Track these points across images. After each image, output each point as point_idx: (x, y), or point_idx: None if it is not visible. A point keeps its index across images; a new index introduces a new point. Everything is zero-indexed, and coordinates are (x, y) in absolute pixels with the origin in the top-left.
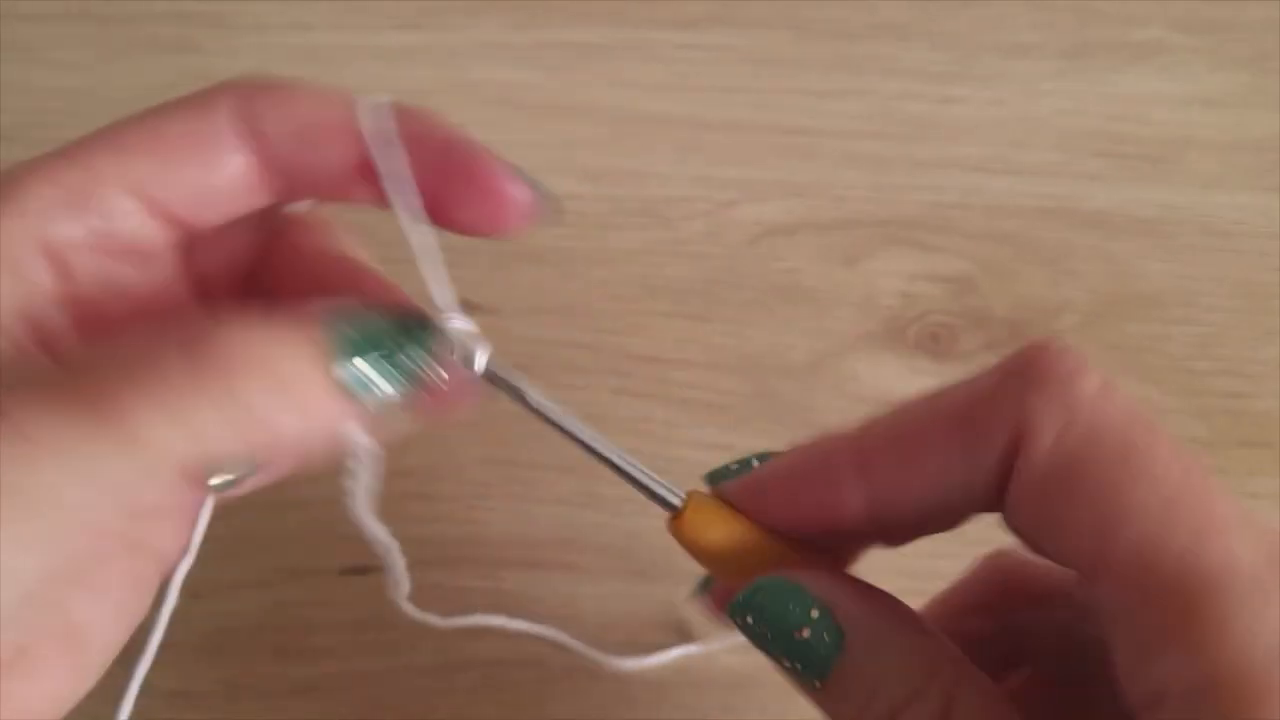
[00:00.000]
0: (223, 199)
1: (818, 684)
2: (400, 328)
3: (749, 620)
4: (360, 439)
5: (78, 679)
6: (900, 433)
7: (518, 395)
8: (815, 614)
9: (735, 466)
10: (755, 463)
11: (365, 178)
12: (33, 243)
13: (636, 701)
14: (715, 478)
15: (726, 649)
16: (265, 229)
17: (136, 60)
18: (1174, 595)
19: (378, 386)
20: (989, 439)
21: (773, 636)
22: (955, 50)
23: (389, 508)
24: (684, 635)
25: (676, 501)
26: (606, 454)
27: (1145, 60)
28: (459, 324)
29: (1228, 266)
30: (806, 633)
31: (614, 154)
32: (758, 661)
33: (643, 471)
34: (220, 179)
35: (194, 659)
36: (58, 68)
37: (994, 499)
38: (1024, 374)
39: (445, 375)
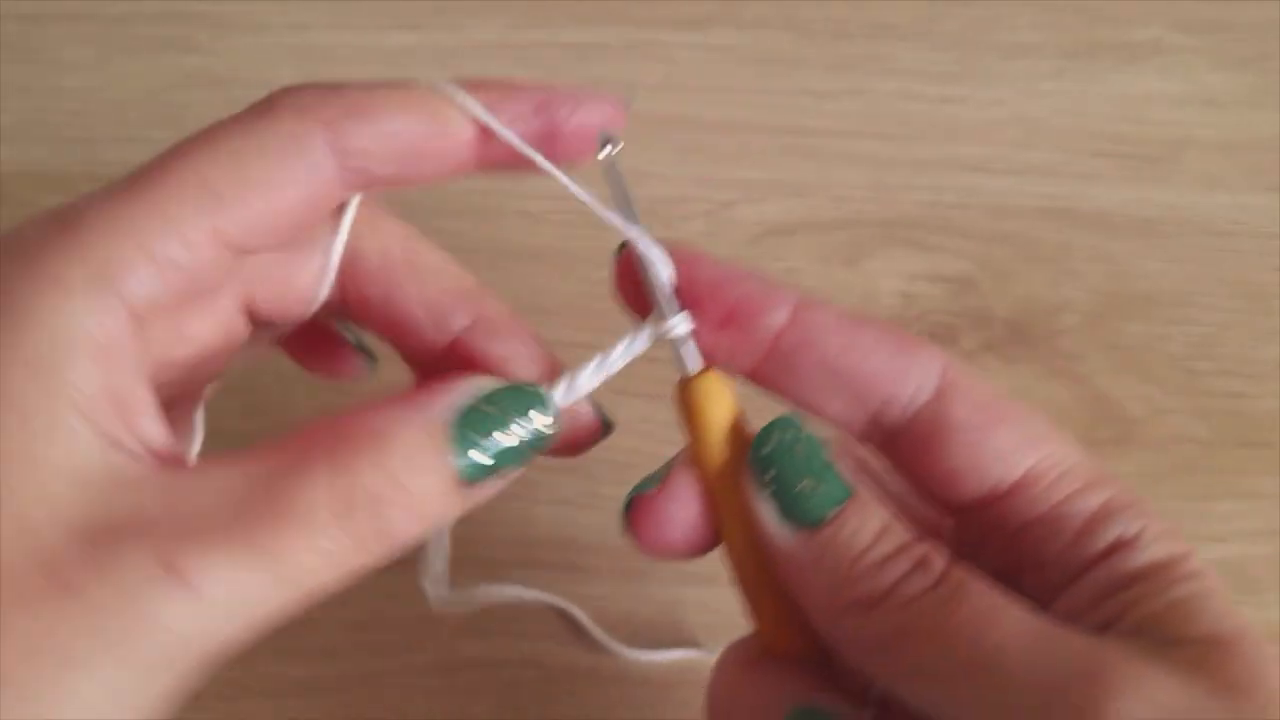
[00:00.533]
0: (305, 221)
1: (828, 512)
2: (517, 402)
3: (788, 435)
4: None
5: None
6: (844, 316)
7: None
8: (830, 459)
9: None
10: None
11: (470, 164)
12: (122, 320)
13: (637, 701)
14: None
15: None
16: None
17: (137, 60)
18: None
19: (497, 471)
20: (923, 365)
21: (803, 456)
22: (956, 50)
23: None
24: (683, 634)
25: (698, 364)
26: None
27: (1145, 60)
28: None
29: (1228, 266)
30: (829, 462)
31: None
32: None
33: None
34: (309, 212)
35: None
36: (58, 68)
37: (893, 417)
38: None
39: (555, 432)
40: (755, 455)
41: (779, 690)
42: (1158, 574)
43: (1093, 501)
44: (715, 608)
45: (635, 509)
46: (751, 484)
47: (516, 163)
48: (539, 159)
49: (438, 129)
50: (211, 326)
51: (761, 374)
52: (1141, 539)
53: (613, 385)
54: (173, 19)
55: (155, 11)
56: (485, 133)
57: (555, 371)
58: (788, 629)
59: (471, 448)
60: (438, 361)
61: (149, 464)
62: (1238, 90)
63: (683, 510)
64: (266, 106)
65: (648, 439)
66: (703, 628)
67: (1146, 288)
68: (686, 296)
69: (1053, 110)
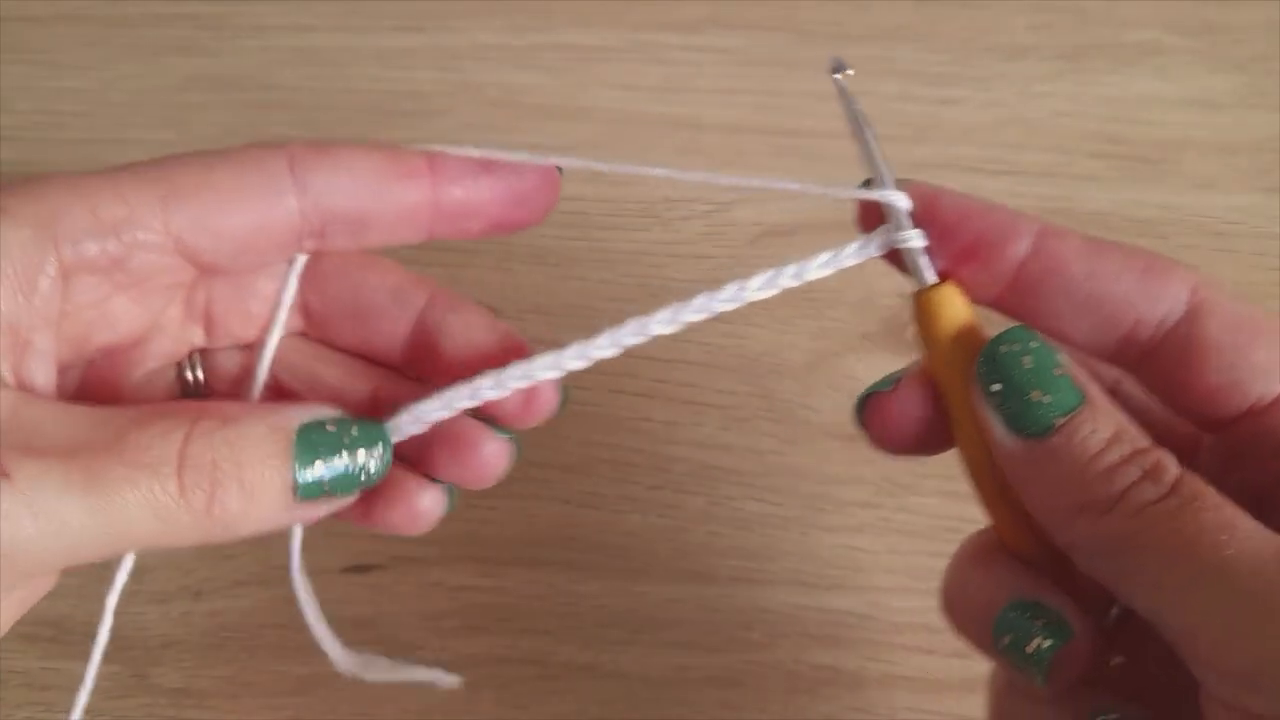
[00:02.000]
0: (264, 249)
1: (1057, 421)
2: (363, 433)
3: (1017, 347)
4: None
5: None
6: (1088, 241)
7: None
8: (1062, 368)
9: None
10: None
11: (426, 220)
12: (48, 261)
13: (637, 701)
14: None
15: (724, 650)
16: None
17: (139, 62)
18: None
19: (332, 493)
20: (1172, 289)
21: (1033, 366)
22: (953, 52)
23: None
24: (684, 634)
25: (932, 277)
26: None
27: (1142, 62)
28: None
29: (1225, 266)
30: (1060, 372)
31: (614, 155)
32: (758, 661)
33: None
34: (268, 230)
35: (197, 657)
36: (60, 69)
37: (1139, 346)
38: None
39: (383, 472)
40: (982, 367)
41: (1004, 582)
42: None
43: None
44: (715, 607)
45: (868, 406)
46: (980, 394)
47: (471, 227)
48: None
49: (397, 167)
50: (138, 318)
51: (1007, 302)
52: None
53: (611, 385)
54: (175, 20)
55: (157, 13)
56: (447, 200)
57: (511, 340)
58: (1022, 532)
59: (310, 460)
60: (401, 354)
61: (13, 392)
62: (1235, 92)
63: (914, 410)
64: (248, 144)
65: (647, 437)
66: (703, 627)
67: None
68: (928, 232)
69: (1050, 111)
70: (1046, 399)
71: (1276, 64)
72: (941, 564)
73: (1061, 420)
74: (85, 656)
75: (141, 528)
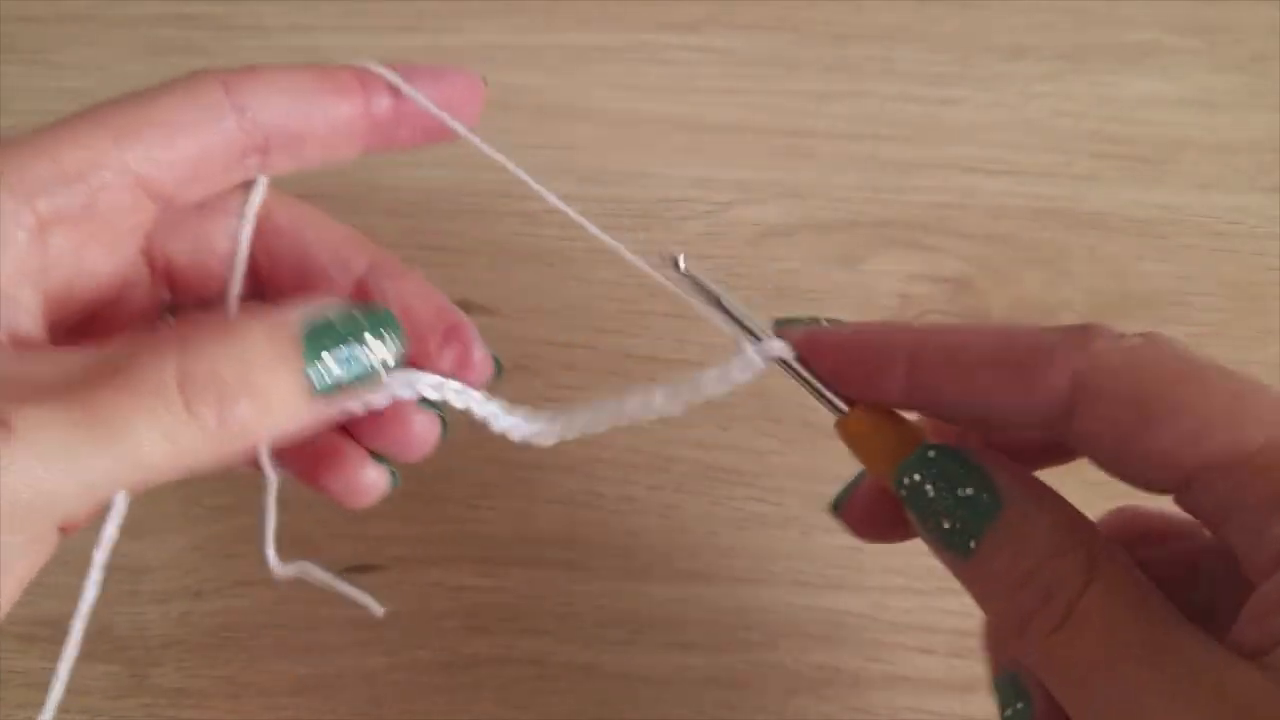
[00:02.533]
0: (212, 172)
1: (972, 544)
2: (370, 320)
3: (916, 478)
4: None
5: None
6: (958, 357)
7: (714, 300)
8: (976, 475)
9: (804, 319)
10: (823, 322)
11: (360, 131)
12: (20, 216)
13: (637, 701)
14: (783, 323)
15: (725, 650)
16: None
17: (139, 62)
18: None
19: (347, 386)
20: (1048, 386)
21: (935, 494)
22: (953, 52)
23: (390, 507)
24: (684, 634)
25: (844, 408)
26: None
27: (1142, 62)
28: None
29: (1225, 267)
30: (970, 490)
31: (614, 155)
32: (758, 661)
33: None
34: (213, 152)
35: (197, 657)
36: (60, 70)
37: (1050, 430)
38: (1083, 332)
39: (405, 352)
40: (900, 494)
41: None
42: None
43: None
44: (715, 607)
45: (842, 510)
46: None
47: (401, 136)
48: (450, 120)
49: (326, 83)
50: (114, 265)
51: (919, 408)
52: None
53: (610, 384)
54: (175, 21)
55: (157, 13)
56: (377, 112)
57: (447, 315)
58: None
59: (321, 355)
60: None
61: (4, 346)
62: (1235, 92)
63: (879, 510)
64: (180, 76)
65: (647, 437)
66: (703, 627)
67: (1144, 288)
68: (823, 368)
69: (1050, 111)
70: (957, 525)
71: (1277, 64)
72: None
73: (975, 545)
74: (86, 656)
75: (155, 454)
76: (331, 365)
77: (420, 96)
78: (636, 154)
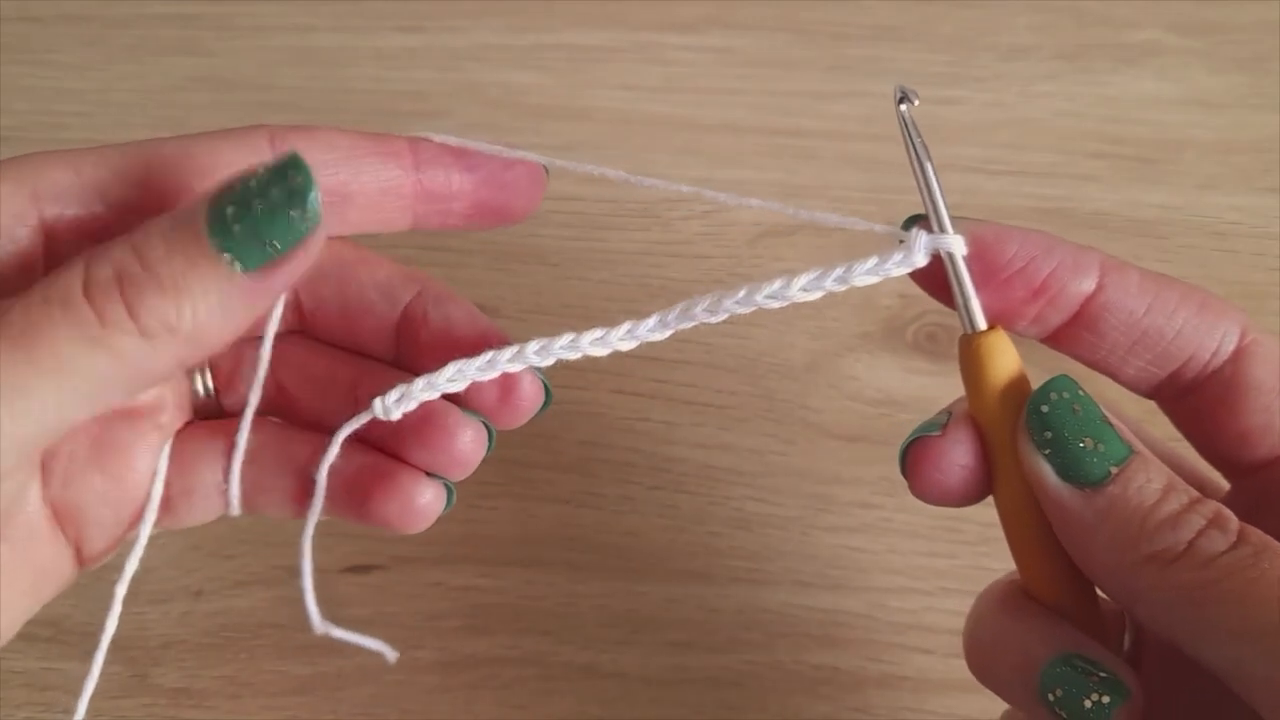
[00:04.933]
0: None
1: (1112, 469)
2: (276, 174)
3: (1066, 395)
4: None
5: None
6: (1155, 284)
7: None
8: (1108, 419)
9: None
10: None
11: (408, 198)
12: (25, 211)
13: (636, 701)
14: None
15: (725, 650)
16: None
17: (139, 62)
18: None
19: (273, 243)
20: (1224, 333)
21: (1082, 415)
22: (953, 52)
23: None
24: (684, 633)
25: (982, 325)
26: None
27: (1142, 62)
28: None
29: (1224, 267)
30: (1109, 420)
31: (614, 155)
32: (757, 661)
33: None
34: None
35: (197, 657)
36: (60, 69)
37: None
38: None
39: (318, 201)
40: (1032, 415)
41: (1046, 635)
42: None
43: None
44: (715, 607)
45: (914, 452)
46: (1028, 443)
47: (454, 210)
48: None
49: (377, 146)
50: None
51: (1062, 336)
52: None
53: (610, 384)
54: (175, 21)
55: (157, 13)
56: (430, 184)
57: (493, 335)
58: (1058, 584)
59: (230, 226)
60: (389, 347)
61: None
62: (1235, 92)
63: (961, 457)
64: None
65: (647, 437)
66: (703, 627)
67: None
68: (992, 275)
69: (1050, 112)
70: (1100, 447)
71: (1276, 64)
72: (941, 564)
73: (1116, 469)
74: (85, 656)
75: (88, 363)
76: (243, 230)
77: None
78: (637, 154)
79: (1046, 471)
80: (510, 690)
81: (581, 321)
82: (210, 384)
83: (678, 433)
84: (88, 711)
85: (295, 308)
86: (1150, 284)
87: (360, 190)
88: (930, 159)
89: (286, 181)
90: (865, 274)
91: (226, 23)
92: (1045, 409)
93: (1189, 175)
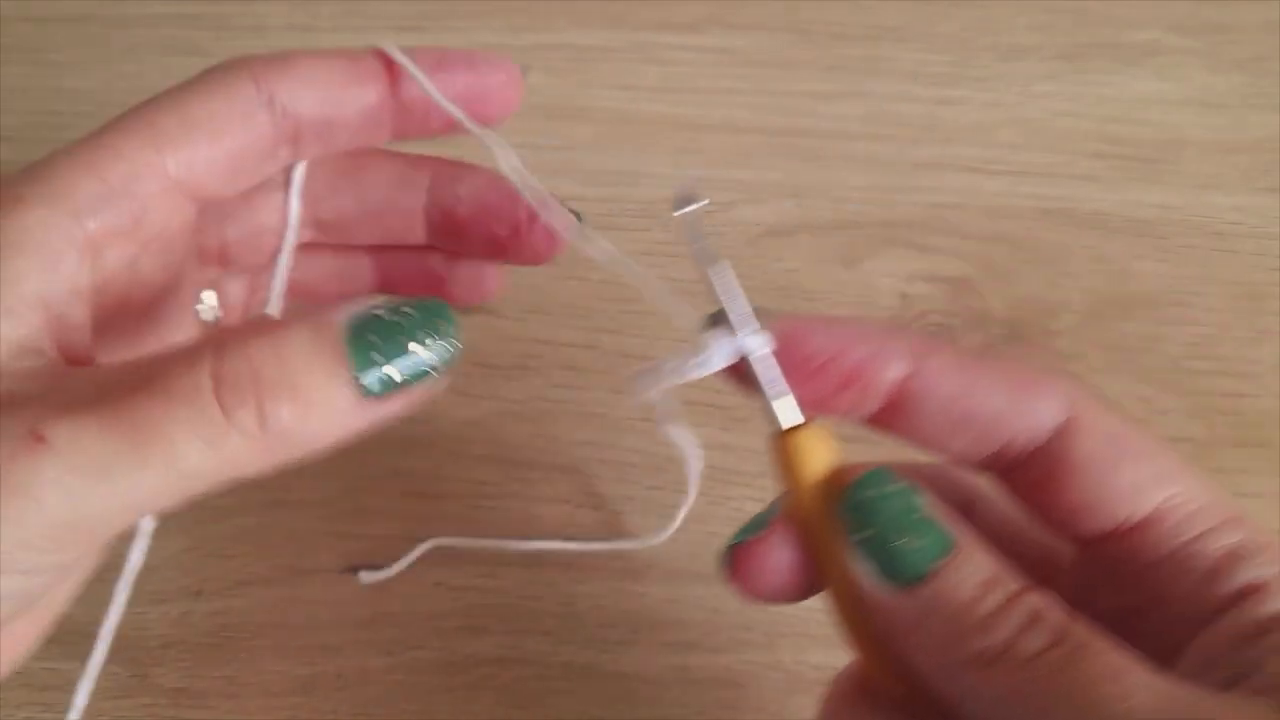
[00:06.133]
0: (249, 167)
1: (930, 566)
2: (422, 314)
3: (883, 491)
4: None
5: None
6: (966, 368)
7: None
8: (928, 510)
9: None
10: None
11: (388, 117)
12: (71, 235)
13: (637, 701)
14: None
15: (725, 650)
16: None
17: (139, 62)
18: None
19: (401, 386)
20: (1046, 409)
21: (898, 511)
22: (953, 52)
23: (390, 506)
24: (684, 634)
25: (794, 420)
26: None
27: (1142, 62)
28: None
29: (1225, 267)
30: (929, 514)
31: (614, 155)
32: (758, 661)
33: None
34: (248, 149)
35: (197, 657)
36: (60, 69)
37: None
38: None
39: (458, 351)
40: (846, 513)
41: None
42: None
43: (1224, 542)
44: (714, 606)
45: (736, 557)
46: (845, 542)
47: (432, 123)
48: (459, 114)
49: (353, 71)
50: (167, 273)
51: (881, 421)
52: (1274, 585)
53: (610, 384)
54: (175, 20)
55: (157, 13)
56: (407, 98)
57: (515, 196)
58: (891, 677)
59: (369, 354)
60: (426, 235)
61: (54, 363)
62: (1235, 92)
63: (786, 559)
64: (207, 69)
65: (646, 438)
66: (703, 627)
67: (1144, 288)
68: (798, 370)
69: (1050, 112)
70: (916, 544)
71: (1277, 64)
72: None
73: (934, 565)
74: (85, 656)
75: (196, 461)
76: (381, 364)
77: (432, 88)
78: (636, 154)
79: (866, 571)
80: (510, 690)
81: (582, 321)
82: (219, 312)
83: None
84: (87, 711)
85: (313, 223)
86: (965, 367)
87: (343, 120)
88: (717, 260)
89: (435, 329)
90: (673, 376)
91: (226, 23)
92: (859, 507)
93: (1189, 175)
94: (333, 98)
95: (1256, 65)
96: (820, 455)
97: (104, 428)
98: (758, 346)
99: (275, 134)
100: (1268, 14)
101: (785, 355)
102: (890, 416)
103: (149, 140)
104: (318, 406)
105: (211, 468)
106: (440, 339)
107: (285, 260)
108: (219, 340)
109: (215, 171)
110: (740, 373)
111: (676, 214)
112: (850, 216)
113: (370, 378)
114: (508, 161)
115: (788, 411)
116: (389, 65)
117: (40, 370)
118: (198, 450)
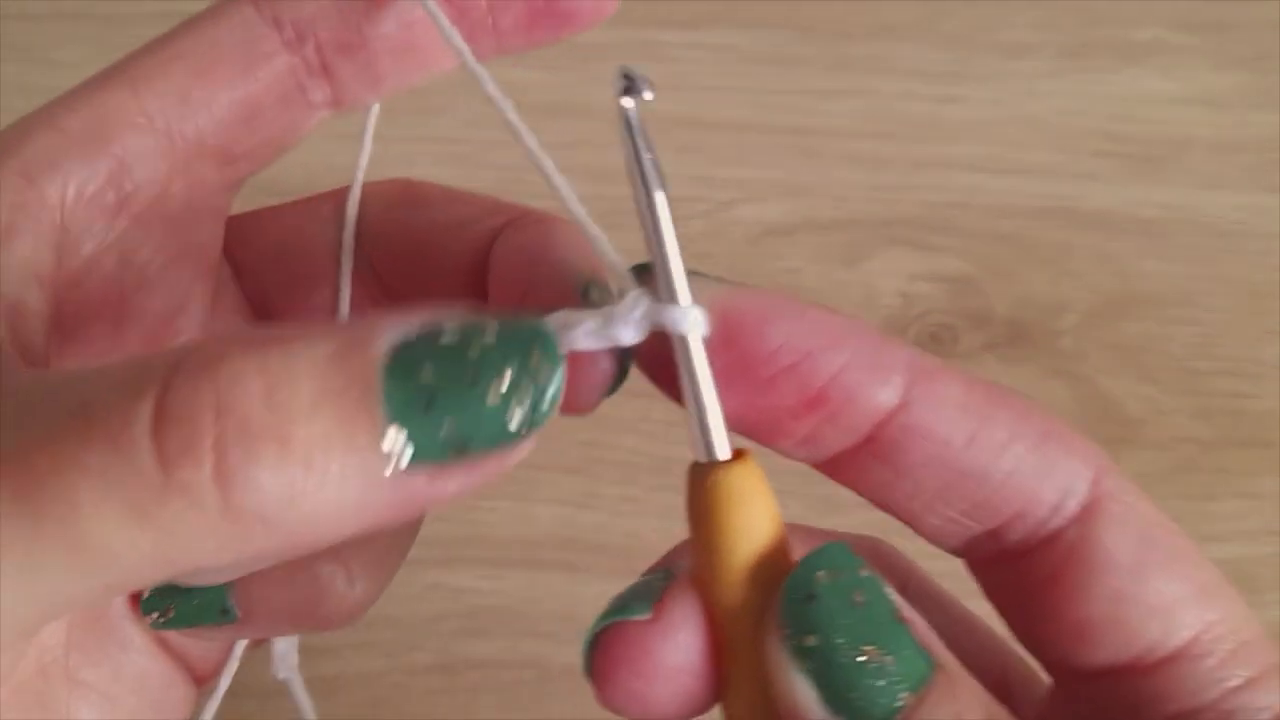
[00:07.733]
0: (264, 108)
1: (902, 698)
2: (508, 339)
3: (820, 594)
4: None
5: None
6: (973, 423)
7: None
8: (903, 614)
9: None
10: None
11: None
12: (21, 198)
13: None
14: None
15: None
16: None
17: None
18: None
19: (464, 450)
20: (1059, 480)
21: (861, 615)
22: (955, 50)
23: None
24: None
25: (726, 453)
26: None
27: (1145, 60)
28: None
29: (1228, 266)
30: (899, 618)
31: (615, 154)
32: None
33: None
34: (259, 87)
35: None
36: (57, 67)
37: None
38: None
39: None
40: (790, 608)
41: None
42: None
43: (1274, 699)
44: None
45: (606, 644)
46: (781, 650)
47: (508, 31)
48: (462, 47)
49: None
50: (204, 283)
51: (844, 465)
52: None
53: None
54: (173, 19)
55: (155, 11)
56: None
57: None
58: None
59: (418, 388)
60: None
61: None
62: (1238, 90)
63: (678, 656)
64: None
65: (647, 438)
66: None
67: (1147, 287)
68: (746, 372)
69: (1053, 110)
70: (887, 663)
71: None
72: (941, 565)
73: (908, 697)
74: None
75: (114, 538)
76: (435, 408)
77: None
78: None
79: (804, 696)
80: (510, 693)
81: None
82: None
83: (678, 433)
84: None
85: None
86: (977, 403)
87: (380, 32)
88: (664, 186)
89: (526, 360)
90: (561, 339)
91: None
92: (808, 600)
93: (1192, 174)
94: (356, 7)
95: (1260, 63)
96: (756, 509)
97: (11, 503)
98: (684, 325)
99: (292, 65)
100: (1270, 12)
101: (728, 347)
102: (863, 461)
103: (121, 81)
104: (319, 474)
105: (143, 553)
106: (533, 381)
107: (348, 239)
108: (187, 349)
109: (219, 116)
110: (658, 361)
111: (620, 102)
112: (851, 215)
113: (413, 429)
114: None
115: (716, 434)
116: None
117: None
118: (114, 521)
